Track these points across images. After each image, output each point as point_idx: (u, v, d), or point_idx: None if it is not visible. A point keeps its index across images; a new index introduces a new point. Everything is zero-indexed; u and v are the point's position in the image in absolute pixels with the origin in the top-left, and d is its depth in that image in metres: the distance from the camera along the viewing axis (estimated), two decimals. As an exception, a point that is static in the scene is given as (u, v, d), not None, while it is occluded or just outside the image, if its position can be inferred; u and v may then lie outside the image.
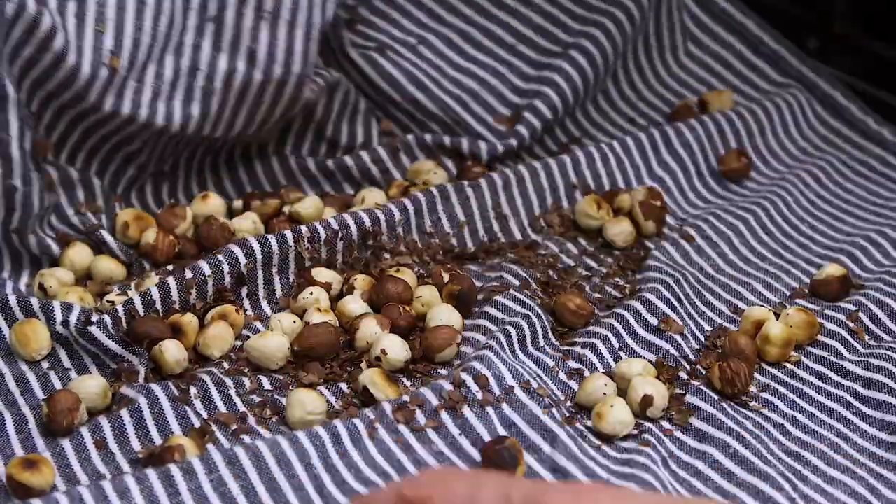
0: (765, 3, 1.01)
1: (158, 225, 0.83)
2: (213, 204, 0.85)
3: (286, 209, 0.85)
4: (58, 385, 0.72)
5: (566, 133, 0.95)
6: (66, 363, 0.74)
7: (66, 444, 0.68)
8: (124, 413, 0.69)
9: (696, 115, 0.93)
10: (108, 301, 0.76)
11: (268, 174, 0.91)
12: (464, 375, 0.70)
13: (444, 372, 0.74)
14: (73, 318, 0.74)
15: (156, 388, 0.71)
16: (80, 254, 0.81)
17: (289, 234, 0.79)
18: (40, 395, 0.72)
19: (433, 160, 0.90)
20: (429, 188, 0.84)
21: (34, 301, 0.75)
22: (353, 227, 0.81)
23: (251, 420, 0.70)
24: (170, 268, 0.79)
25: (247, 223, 0.83)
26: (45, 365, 0.74)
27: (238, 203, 0.86)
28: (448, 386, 0.70)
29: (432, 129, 0.92)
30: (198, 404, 0.71)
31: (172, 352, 0.72)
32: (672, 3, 0.99)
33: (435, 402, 0.69)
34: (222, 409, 0.71)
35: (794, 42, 0.99)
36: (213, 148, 0.88)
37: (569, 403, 0.72)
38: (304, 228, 0.79)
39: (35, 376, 0.73)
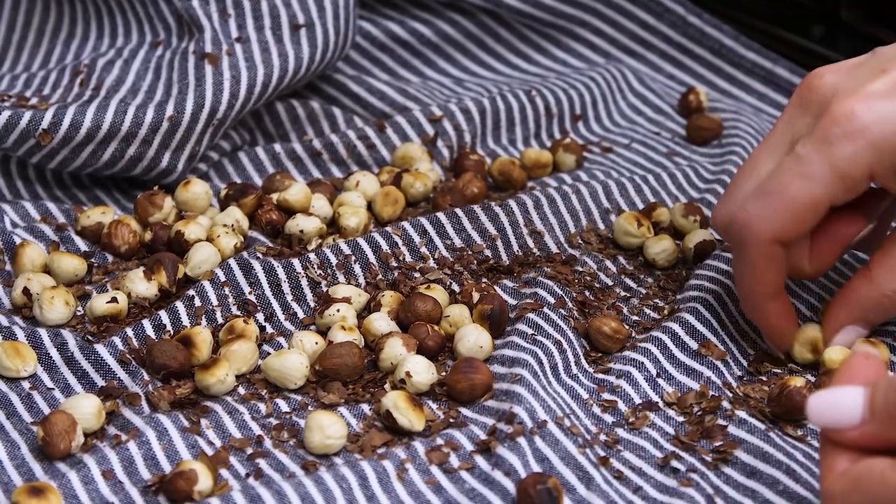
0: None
1: (135, 211, 0.81)
2: (195, 190, 0.82)
3: (274, 197, 0.82)
4: (44, 406, 0.69)
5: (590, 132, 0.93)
6: (49, 383, 0.70)
7: (71, 474, 0.64)
8: (132, 445, 0.65)
9: (717, 135, 0.92)
10: (103, 317, 0.74)
11: (253, 160, 0.88)
12: (500, 424, 0.66)
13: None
14: (70, 342, 0.71)
15: (164, 419, 0.67)
16: (35, 251, 0.77)
17: (296, 262, 0.76)
18: (27, 418, 0.68)
19: (423, 138, 0.88)
20: (453, 210, 0.80)
21: (18, 331, 0.72)
22: (369, 251, 0.77)
23: (267, 443, 0.67)
24: (141, 269, 0.76)
25: (228, 219, 0.80)
26: (26, 385, 0.70)
27: (223, 192, 0.83)
28: (482, 434, 0.67)
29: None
30: (210, 434, 0.67)
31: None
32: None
33: (470, 447, 0.66)
34: (237, 434, 0.67)
35: (799, 30, 0.97)
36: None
37: (603, 438, 0.68)
38: (312, 256, 0.76)
39: (18, 398, 0.69)
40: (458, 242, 0.80)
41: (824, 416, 0.59)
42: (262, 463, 0.66)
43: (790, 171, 0.67)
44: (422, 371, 0.70)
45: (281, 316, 0.75)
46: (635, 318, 0.76)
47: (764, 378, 0.72)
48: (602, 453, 0.67)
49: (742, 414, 0.69)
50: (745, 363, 0.73)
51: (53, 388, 0.70)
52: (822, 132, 0.66)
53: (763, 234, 0.68)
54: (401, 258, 0.78)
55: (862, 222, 0.71)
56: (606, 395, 0.70)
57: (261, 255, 0.77)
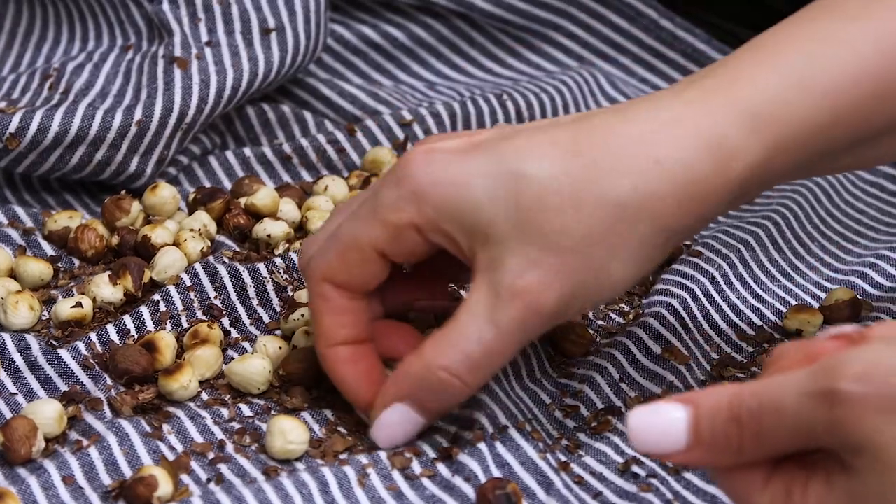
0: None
1: (103, 215, 0.81)
2: (162, 195, 0.82)
3: (242, 201, 0.82)
4: (6, 412, 0.69)
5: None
6: (11, 388, 0.70)
7: (31, 480, 0.64)
8: (93, 450, 0.65)
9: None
10: (68, 322, 0.74)
11: (223, 164, 0.88)
12: (461, 431, 0.67)
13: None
14: (34, 347, 0.71)
15: (126, 424, 0.67)
16: (1, 255, 0.77)
17: (262, 266, 0.76)
18: None
19: (393, 143, 0.88)
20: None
21: None
22: None
23: (229, 448, 0.67)
24: (107, 273, 0.76)
25: (196, 224, 0.80)
26: (-12, 390, 0.70)
27: (191, 196, 0.83)
28: (444, 441, 0.67)
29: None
30: (172, 439, 0.67)
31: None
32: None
33: (432, 454, 0.66)
34: (199, 439, 0.67)
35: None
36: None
37: (564, 443, 0.68)
38: (278, 261, 0.76)
39: None
40: (424, 247, 0.79)
41: (647, 442, 0.55)
42: (224, 468, 0.66)
43: (349, 215, 0.66)
44: (385, 376, 0.70)
45: (246, 321, 0.75)
46: (601, 322, 0.76)
47: (727, 383, 0.72)
48: (563, 458, 0.67)
49: (704, 419, 0.69)
50: (708, 368, 0.73)
51: (16, 394, 0.70)
52: (379, 180, 0.65)
53: (316, 272, 0.66)
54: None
55: (423, 292, 0.70)
56: (569, 400, 0.70)
57: (227, 260, 0.77)
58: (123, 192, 0.83)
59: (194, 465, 0.66)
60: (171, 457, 0.66)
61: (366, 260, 0.65)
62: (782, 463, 0.55)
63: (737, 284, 0.78)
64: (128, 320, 0.73)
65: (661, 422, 0.55)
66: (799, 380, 0.53)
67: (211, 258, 0.77)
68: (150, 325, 0.74)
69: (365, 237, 0.65)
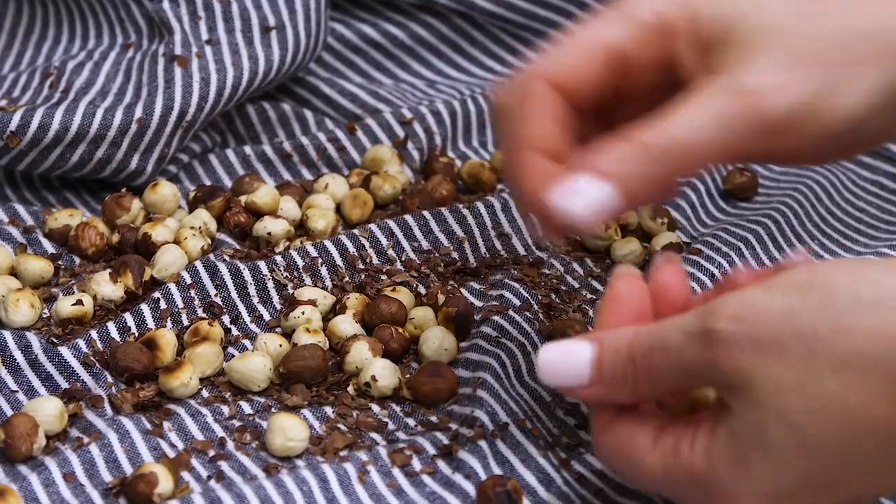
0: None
1: (103, 213, 0.81)
2: (163, 193, 0.82)
3: (242, 199, 0.82)
4: (7, 409, 0.69)
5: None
6: (13, 385, 0.70)
7: (32, 477, 0.64)
8: (94, 448, 0.66)
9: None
10: (68, 319, 0.74)
11: (223, 162, 0.88)
12: (462, 429, 0.67)
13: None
14: (35, 345, 0.71)
15: (126, 421, 0.67)
16: (2, 253, 0.77)
17: (262, 264, 0.77)
18: None
19: (393, 141, 0.88)
20: (421, 212, 0.80)
21: None
22: (336, 253, 0.77)
23: (230, 445, 0.67)
24: (107, 271, 0.76)
25: (196, 222, 0.80)
26: (-11, 388, 0.70)
27: (192, 194, 0.83)
28: (445, 439, 0.67)
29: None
30: (172, 436, 0.67)
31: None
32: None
33: (432, 451, 0.66)
34: (199, 437, 0.67)
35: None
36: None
37: (565, 440, 0.68)
38: (278, 258, 0.76)
39: None
40: (425, 245, 0.80)
41: (553, 375, 0.59)
42: (224, 465, 0.66)
43: (587, 21, 0.63)
44: (387, 376, 0.70)
45: (247, 318, 0.75)
46: (601, 320, 0.76)
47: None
48: (564, 455, 0.67)
49: (704, 416, 0.69)
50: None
51: (17, 391, 0.70)
52: None
53: (535, 68, 0.62)
54: (368, 260, 0.78)
55: None
56: (570, 398, 0.70)
57: (227, 258, 0.77)
58: (124, 189, 0.83)
59: (195, 462, 0.66)
60: (171, 454, 0.66)
61: (595, 55, 0.62)
62: (669, 424, 0.58)
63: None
64: (128, 318, 0.73)
65: (568, 357, 0.58)
66: (684, 320, 0.56)
67: (211, 256, 0.77)
68: (150, 323, 0.74)
69: (600, 32, 0.62)
